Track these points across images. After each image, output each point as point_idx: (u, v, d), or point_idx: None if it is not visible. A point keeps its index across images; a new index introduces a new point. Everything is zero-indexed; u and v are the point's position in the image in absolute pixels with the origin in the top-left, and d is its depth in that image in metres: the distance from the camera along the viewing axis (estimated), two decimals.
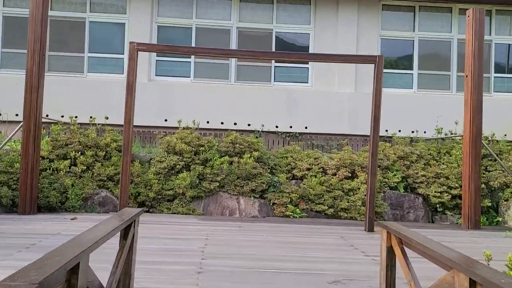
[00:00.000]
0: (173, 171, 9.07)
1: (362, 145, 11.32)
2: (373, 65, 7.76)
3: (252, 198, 8.98)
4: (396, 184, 9.29)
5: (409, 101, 11.40)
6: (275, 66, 11.57)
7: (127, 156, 7.37)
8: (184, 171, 9.04)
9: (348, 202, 8.95)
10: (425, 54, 11.83)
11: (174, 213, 8.68)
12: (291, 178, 9.48)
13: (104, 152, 9.09)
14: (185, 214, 8.66)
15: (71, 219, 7.55)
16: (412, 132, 11.09)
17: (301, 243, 6.25)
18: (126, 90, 7.38)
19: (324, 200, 8.96)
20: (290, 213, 8.81)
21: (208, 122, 11.02)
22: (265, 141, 11.05)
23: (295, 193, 9.00)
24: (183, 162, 9.05)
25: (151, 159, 9.33)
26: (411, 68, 11.79)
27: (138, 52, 7.44)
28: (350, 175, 9.38)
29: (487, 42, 11.84)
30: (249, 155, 9.25)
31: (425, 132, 11.01)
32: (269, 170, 9.45)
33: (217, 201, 8.96)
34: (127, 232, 3.62)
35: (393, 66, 11.72)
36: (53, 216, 7.85)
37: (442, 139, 10.52)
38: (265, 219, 8.68)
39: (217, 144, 9.60)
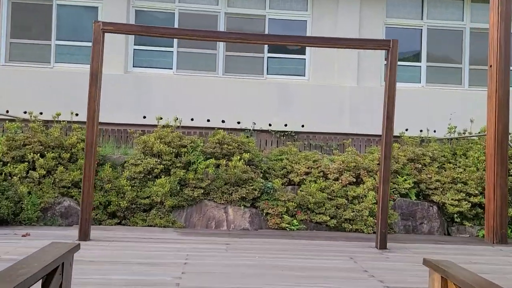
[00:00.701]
0: (150, 176, 7.78)
1: (365, 145, 10.13)
2: (386, 51, 6.54)
3: (242, 207, 7.73)
4: (407, 190, 8.11)
5: (417, 96, 10.23)
6: (268, 57, 10.33)
7: (90, 158, 6.07)
8: (163, 176, 7.76)
9: (353, 211, 7.74)
10: (434, 44, 10.67)
11: (151, 226, 7.40)
12: (287, 183, 8.25)
13: (69, 154, 7.77)
14: (164, 226, 7.37)
15: (22, 236, 6.23)
16: (421, 131, 9.93)
17: (302, 269, 5.01)
18: (90, 79, 6.08)
19: (325, 210, 7.75)
20: (286, 225, 7.57)
21: (192, 120, 9.75)
22: (257, 141, 9.80)
23: (292, 202, 7.78)
24: (162, 166, 7.77)
25: (125, 162, 8.03)
26: (418, 60, 10.63)
27: (105, 33, 6.14)
28: (354, 180, 8.17)
29: None
30: (238, 157, 8.00)
31: (435, 131, 9.85)
32: (261, 175, 8.21)
33: (202, 211, 7.69)
34: (48, 281, 2.36)
35: (399, 58, 10.51)
36: (1, 231, 6.51)
37: (457, 139, 9.36)
38: (257, 232, 7.43)
39: (201, 144, 8.33)
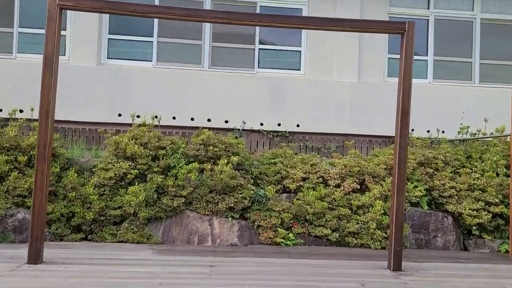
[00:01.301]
0: (123, 183, 6.67)
1: (367, 147, 9.14)
2: (400, 36, 5.54)
3: (230, 219, 6.66)
4: (418, 199, 7.10)
5: (423, 93, 9.23)
6: (259, 49, 9.28)
7: (43, 162, 4.94)
8: (138, 182, 6.66)
9: (357, 223, 6.71)
10: (442, 36, 9.72)
11: (122, 242, 6.29)
12: (281, 191, 7.20)
13: (26, 157, 6.63)
14: (137, 242, 6.27)
15: None
16: (428, 131, 8.96)
17: None
18: (43, 65, 4.95)
19: (325, 221, 6.71)
20: (281, 240, 6.52)
21: (174, 118, 8.66)
22: (247, 142, 8.74)
23: (288, 212, 6.73)
24: (136, 170, 6.67)
25: (94, 166, 6.91)
26: (425, 53, 9.66)
27: (62, 10, 5.03)
28: (358, 187, 7.15)
29: None
30: (225, 161, 6.93)
31: (443, 132, 8.89)
32: (252, 181, 7.15)
33: (183, 223, 6.60)
34: None
35: (399, 50, 9.53)
36: None
37: (472, 139, 8.39)
38: (247, 248, 6.36)
39: (183, 146, 7.24)
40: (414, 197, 7.05)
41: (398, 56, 9.58)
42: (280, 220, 6.63)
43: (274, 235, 6.53)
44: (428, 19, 9.65)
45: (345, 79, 9.18)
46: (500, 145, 7.78)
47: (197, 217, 6.62)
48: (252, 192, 6.85)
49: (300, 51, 9.33)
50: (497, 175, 7.38)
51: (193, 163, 6.83)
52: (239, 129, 8.78)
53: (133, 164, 6.73)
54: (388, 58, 9.52)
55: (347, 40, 9.15)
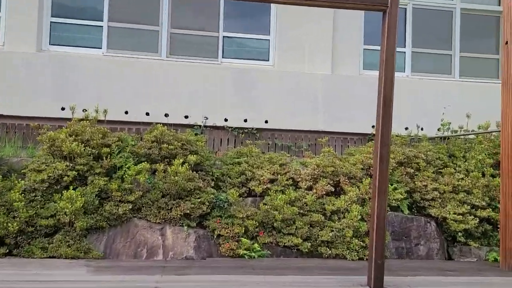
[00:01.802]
0: (58, 187, 5.65)
1: (342, 146, 8.38)
2: (382, 13, 4.75)
3: (186, 227, 5.74)
4: (398, 202, 6.37)
5: (401, 87, 8.45)
6: (224, 37, 8.38)
7: None
8: (76, 186, 5.66)
9: (332, 231, 5.90)
10: (420, 27, 9.07)
11: (53, 257, 5.28)
12: (246, 194, 6.34)
13: None
14: (72, 258, 5.27)
15: None
16: (406, 128, 8.28)
17: None
18: None
19: (296, 229, 5.87)
20: (245, 252, 5.64)
21: (126, 113, 7.67)
22: (209, 139, 7.84)
23: (253, 219, 5.86)
24: (74, 172, 5.66)
25: (25, 167, 5.86)
26: (402, 45, 8.98)
27: None
28: (333, 189, 6.36)
29: (496, 14, 9.29)
30: (182, 160, 6.01)
31: (422, 129, 8.22)
32: (213, 183, 6.26)
33: (129, 233, 5.63)
34: None
35: (377, 42, 8.80)
36: None
37: (454, 137, 7.74)
38: (205, 263, 5.45)
39: (133, 143, 6.28)
40: (394, 200, 6.31)
41: (374, 47, 8.99)
42: (243, 228, 5.76)
43: (236, 246, 5.65)
44: (406, 8, 8.97)
45: (317, 71, 8.39)
46: (485, 143, 7.14)
47: (146, 226, 5.67)
48: (212, 196, 5.95)
49: (269, 40, 8.49)
50: (483, 175, 6.73)
51: (143, 163, 5.87)
52: (200, 125, 7.86)
53: (71, 164, 5.72)
54: (364, 49, 8.79)
55: (320, 28, 8.38)
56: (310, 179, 6.39)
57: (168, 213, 5.72)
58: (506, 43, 5.77)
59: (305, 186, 6.31)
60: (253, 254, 5.63)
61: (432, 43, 9.09)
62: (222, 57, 8.35)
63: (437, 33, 9.16)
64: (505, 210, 5.69)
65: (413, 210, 6.55)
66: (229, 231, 5.68)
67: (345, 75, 8.50)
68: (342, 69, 8.54)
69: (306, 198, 6.11)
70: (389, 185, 6.38)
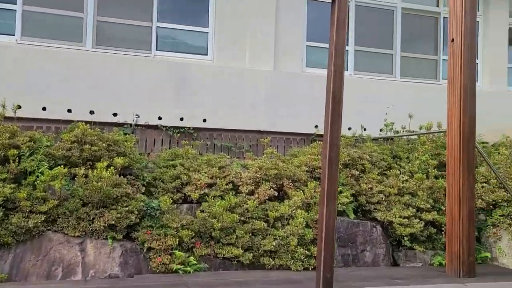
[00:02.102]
0: None
1: (284, 146, 7.97)
2: (331, 3, 4.34)
3: (110, 241, 5.01)
4: (344, 206, 6.03)
5: (344, 86, 8.31)
6: (158, 27, 7.67)
7: None
8: None
9: (275, 239, 5.43)
10: (362, 25, 8.89)
11: None
12: (181, 201, 5.72)
13: None
14: None
15: None
16: (349, 129, 8.04)
17: None
18: None
19: (236, 239, 5.34)
20: (179, 266, 5.01)
21: (44, 109, 6.74)
22: (140, 140, 7.11)
23: (188, 229, 5.25)
24: None
25: None
26: (345, 42, 8.73)
27: None
28: (276, 193, 5.90)
29: (435, 15, 9.34)
30: (107, 163, 5.26)
31: (365, 129, 8.02)
32: (143, 189, 5.57)
33: (41, 250, 4.81)
34: None
35: (316, 39, 8.52)
36: None
37: (395, 138, 7.58)
38: (132, 281, 4.76)
39: (48, 144, 5.44)
40: (339, 205, 5.97)
41: (317, 44, 8.69)
42: (178, 239, 5.13)
43: (169, 260, 5.01)
44: (348, 5, 8.73)
45: (259, 68, 7.92)
46: (428, 143, 7.02)
47: (63, 241, 4.87)
48: (142, 204, 5.27)
49: (208, 32, 7.89)
50: (427, 177, 6.59)
51: (59, 167, 5.05)
52: (131, 124, 7.09)
53: None
54: (307, 46, 8.45)
55: (262, 23, 7.92)
56: (252, 183, 5.89)
57: (90, 225, 4.97)
58: (452, 40, 5.60)
59: (247, 191, 5.80)
60: (189, 268, 5.02)
61: (375, 42, 8.95)
62: (156, 50, 7.63)
63: (379, 32, 9.03)
64: (451, 212, 5.52)
65: (359, 214, 6.26)
66: (161, 243, 5.03)
67: (288, 72, 8.10)
68: (285, 66, 8.14)
69: (247, 204, 5.60)
70: None
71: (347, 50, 8.74)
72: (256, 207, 5.64)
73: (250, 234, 5.43)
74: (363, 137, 7.62)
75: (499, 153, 7.01)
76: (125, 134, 6.47)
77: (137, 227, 5.20)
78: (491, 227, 6.24)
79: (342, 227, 5.91)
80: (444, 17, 9.29)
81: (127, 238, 5.15)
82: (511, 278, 5.38)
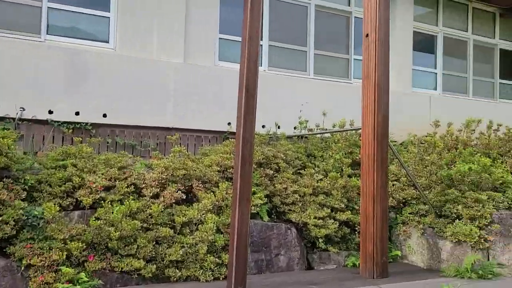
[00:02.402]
0: None
1: (195, 144, 7.42)
2: None
3: None
4: (258, 208, 5.65)
5: (258, 82, 7.98)
6: (48, 8, 6.70)
7: None
8: None
9: (182, 247, 4.88)
10: (277, 20, 8.63)
11: None
12: (72, 208, 4.93)
13: None
14: None
15: None
16: (263, 126, 7.73)
17: None
18: None
19: (138, 249, 4.70)
20: (66, 286, 4.24)
21: None
22: (26, 137, 6.13)
23: (79, 240, 4.50)
24: None
25: None
26: (260, 37, 8.41)
27: None
28: (184, 196, 5.35)
29: (347, 14, 9.39)
30: None
31: (279, 127, 7.76)
32: (24, 194, 4.69)
33: None
34: None
35: (235, 32, 8.10)
36: None
37: (313, 134, 7.39)
38: None
39: None
40: (253, 207, 5.57)
41: (231, 37, 8.25)
42: (66, 253, 4.36)
43: (54, 278, 4.22)
44: None
45: (168, 59, 7.29)
46: (341, 141, 6.92)
47: None
48: (21, 212, 4.41)
49: (109, 17, 7.08)
50: (341, 175, 6.45)
51: None
52: (14, 119, 6.08)
53: None
54: (220, 38, 7.98)
55: (171, 10, 7.30)
56: (157, 185, 5.27)
57: None
58: (367, 35, 5.47)
59: (151, 194, 5.17)
60: (78, 286, 4.27)
61: (289, 38, 8.74)
62: (47, 34, 6.66)
63: (294, 28, 8.85)
64: (366, 212, 5.39)
65: (273, 216, 5.92)
66: (44, 259, 4.23)
67: (200, 65, 7.56)
68: (196, 58, 7.59)
69: (151, 209, 4.98)
70: None
71: (261, 45, 8.43)
72: (162, 211, 5.04)
73: (154, 243, 4.82)
74: (277, 135, 7.34)
75: (408, 151, 7.12)
76: (4, 129, 5.48)
77: (14, 240, 4.34)
78: (401, 225, 6.26)
79: (255, 231, 5.52)
80: (355, 17, 9.37)
81: (1, 254, 4.26)
82: (421, 276, 5.38)
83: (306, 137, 7.44)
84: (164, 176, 5.32)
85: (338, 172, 6.46)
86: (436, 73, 10.75)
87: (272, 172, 6.17)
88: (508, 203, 5.87)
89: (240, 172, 3.68)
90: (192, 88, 7.34)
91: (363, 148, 5.51)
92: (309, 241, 5.97)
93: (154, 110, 7.05)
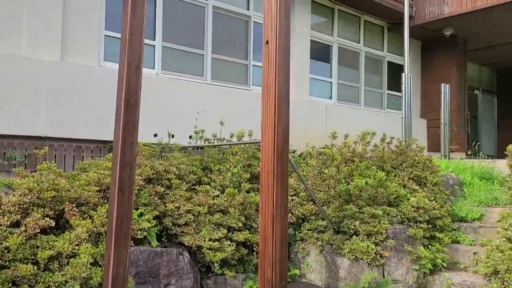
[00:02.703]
0: None
1: (75, 156, 6.46)
2: None
3: None
4: (145, 232, 4.96)
5: (149, 86, 7.26)
6: None
7: None
8: None
9: (49, 287, 4.01)
10: (172, 19, 7.97)
11: None
12: None
13: None
14: None
15: None
16: (155, 135, 7.05)
17: None
18: None
19: None
20: None
21: None
22: None
23: None
24: None
25: None
26: (152, 37, 7.68)
27: None
28: (53, 223, 4.45)
29: (246, 19, 9.05)
30: None
31: (173, 136, 7.12)
32: None
33: None
34: None
35: (111, 28, 7.28)
36: None
37: (214, 145, 6.85)
38: None
39: None
40: (139, 231, 4.87)
41: (115, 35, 7.39)
42: None
43: None
44: None
45: (41, 56, 6.23)
46: (239, 154, 6.49)
47: None
48: None
49: None
50: (239, 191, 6.01)
51: None
52: None
53: None
54: (106, 35, 7.10)
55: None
56: (18, 211, 4.32)
57: None
58: (267, 42, 5.08)
59: (8, 222, 4.20)
60: None
61: (186, 39, 8.13)
62: None
63: (190, 29, 8.25)
64: (264, 233, 4.96)
65: (164, 240, 5.26)
66: None
67: (81, 65, 6.62)
68: (77, 57, 6.63)
69: (8, 241, 4.02)
70: (134, 210, 4.95)
71: (154, 46, 7.69)
72: (22, 244, 4.11)
73: (10, 285, 3.89)
74: (170, 146, 6.68)
75: (307, 163, 6.94)
76: None
77: None
78: (300, 242, 6.01)
79: (142, 259, 4.82)
80: (254, 22, 9.07)
81: None
82: None
83: (202, 148, 6.89)
84: (28, 200, 4.38)
85: (235, 188, 6.01)
86: (331, 82, 10.92)
87: (163, 189, 5.51)
88: (401, 217, 5.93)
89: (117, 203, 3.01)
90: (71, 91, 6.38)
91: (262, 163, 5.09)
92: (203, 265, 5.42)
93: (21, 115, 5.96)
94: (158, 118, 7.07)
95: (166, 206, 5.32)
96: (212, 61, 8.43)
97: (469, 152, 10.85)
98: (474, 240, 6.18)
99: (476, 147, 10.13)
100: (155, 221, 5.13)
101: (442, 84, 11.02)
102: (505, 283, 4.86)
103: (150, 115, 6.92)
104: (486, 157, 9.74)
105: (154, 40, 7.68)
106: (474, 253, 5.87)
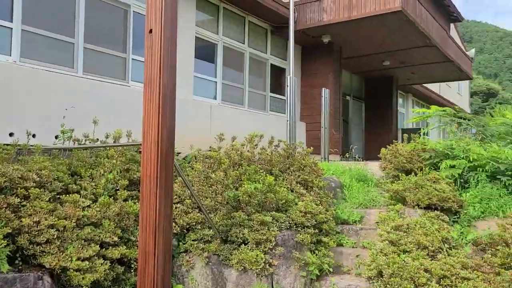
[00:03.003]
0: None
1: None
2: None
3: None
4: None
5: (5, 77, 6.07)
6: None
7: None
8: None
9: None
10: (35, 0, 6.83)
11: None
12: None
13: None
14: None
15: None
16: (11, 134, 5.93)
17: None
18: None
19: None
20: None
21: None
22: None
23: None
24: None
25: None
26: (8, 18, 6.46)
27: None
28: None
29: (125, 8, 8.23)
30: None
31: (34, 136, 6.06)
32: None
33: None
34: None
35: None
36: None
37: (88, 148, 5.90)
38: None
39: None
40: None
41: None
42: None
43: None
44: None
45: None
46: (116, 157, 5.72)
47: None
48: None
49: None
50: (115, 199, 5.26)
51: None
52: None
53: None
54: None
55: None
56: None
57: None
58: (150, 31, 4.47)
59: None
60: None
61: (51, 24, 7.03)
62: None
63: (58, 12, 7.17)
64: (145, 248, 4.36)
65: (18, 262, 4.31)
66: None
67: None
68: None
69: None
70: None
71: (11, 29, 6.49)
72: None
73: None
74: (30, 147, 5.62)
75: (192, 168, 6.43)
76: None
77: None
78: (184, 254, 5.48)
79: None
80: (134, 11, 8.28)
81: None
82: None
83: (70, 151, 5.94)
84: None
85: (111, 196, 5.26)
86: (216, 82, 10.58)
87: (18, 200, 4.53)
88: (289, 223, 5.76)
89: None
90: None
91: (144, 168, 4.47)
92: None
93: None
94: (15, 114, 5.94)
95: (21, 221, 4.37)
96: (85, 51, 7.43)
97: (347, 155, 11.39)
98: (356, 243, 6.31)
99: (353, 150, 10.65)
100: (6, 240, 4.16)
101: (323, 89, 11.41)
102: (388, 286, 4.95)
103: (5, 111, 5.79)
104: (358, 159, 10.28)
105: (11, 22, 6.47)
106: (357, 256, 5.96)
